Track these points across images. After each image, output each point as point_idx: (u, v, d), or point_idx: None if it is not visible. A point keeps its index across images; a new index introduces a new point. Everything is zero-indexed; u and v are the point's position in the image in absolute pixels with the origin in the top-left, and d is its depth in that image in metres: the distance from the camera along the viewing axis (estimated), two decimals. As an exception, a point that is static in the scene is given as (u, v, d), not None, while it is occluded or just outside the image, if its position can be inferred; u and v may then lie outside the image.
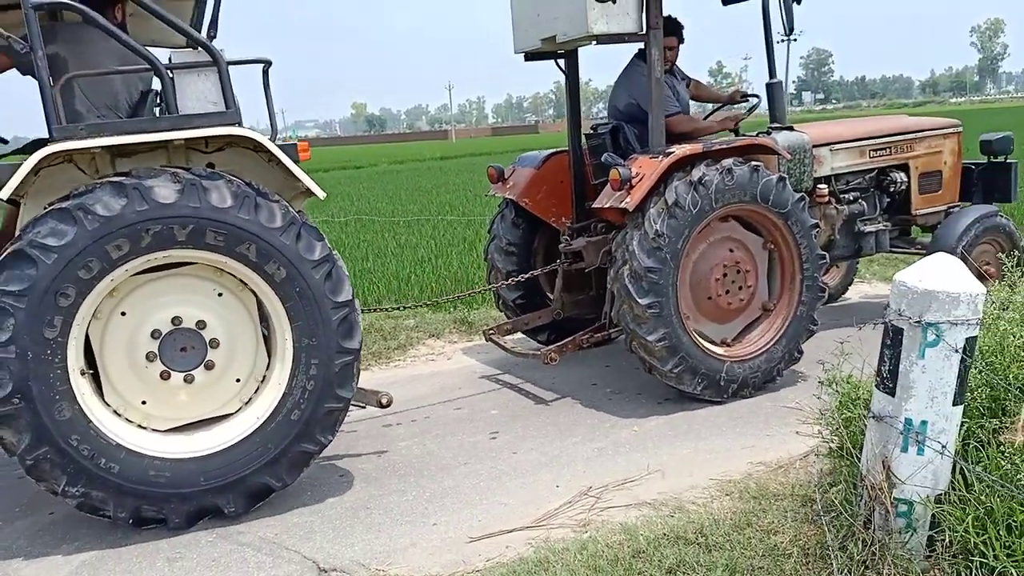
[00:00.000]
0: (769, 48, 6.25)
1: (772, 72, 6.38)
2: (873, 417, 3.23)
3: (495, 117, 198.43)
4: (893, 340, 3.12)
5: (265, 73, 4.30)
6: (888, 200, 6.65)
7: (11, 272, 3.62)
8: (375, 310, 6.92)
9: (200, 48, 4.02)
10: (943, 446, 3.04)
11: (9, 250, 3.67)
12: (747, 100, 6.35)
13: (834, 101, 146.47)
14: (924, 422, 3.08)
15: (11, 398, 3.66)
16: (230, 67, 4.05)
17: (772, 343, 5.40)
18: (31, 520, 4.28)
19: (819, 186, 6.17)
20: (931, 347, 3.02)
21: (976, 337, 3.08)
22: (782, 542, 3.40)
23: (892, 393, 3.13)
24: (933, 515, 3.11)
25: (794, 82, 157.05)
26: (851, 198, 6.44)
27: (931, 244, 6.38)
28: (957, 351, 3.00)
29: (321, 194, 4.19)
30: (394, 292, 8.79)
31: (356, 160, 43.95)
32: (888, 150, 6.52)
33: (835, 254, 6.38)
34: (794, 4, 5.60)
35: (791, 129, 6.19)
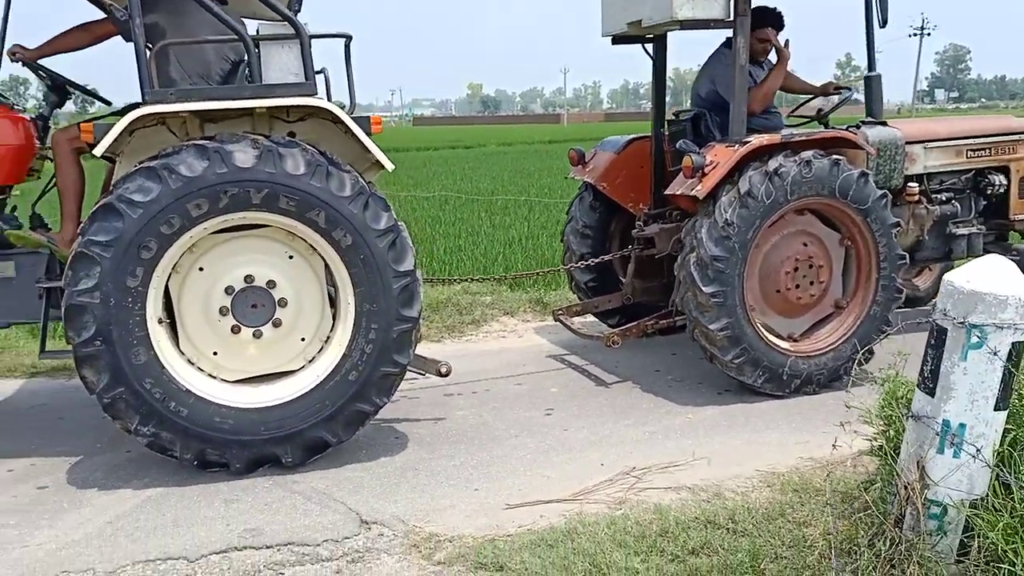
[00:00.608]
0: (870, 40, 6.07)
1: (872, 65, 6.22)
2: (912, 416, 3.18)
3: (610, 102, 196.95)
4: (936, 340, 3.06)
5: (346, 47, 4.49)
6: (984, 203, 6.37)
7: (100, 224, 3.92)
8: (432, 280, 7.11)
9: (285, 21, 4.23)
10: (978, 450, 2.96)
11: (100, 203, 3.97)
12: (839, 92, 6.20)
13: (970, 100, 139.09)
14: (962, 425, 3.01)
15: (93, 340, 3.97)
16: (312, 40, 4.25)
17: (841, 341, 5.29)
18: (109, 456, 4.62)
19: (910, 184, 5.97)
20: (974, 349, 2.95)
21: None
22: (812, 535, 3.39)
23: (932, 393, 3.07)
24: (967, 520, 3.05)
25: (927, 79, 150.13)
26: (944, 198, 6.20)
27: (1027, 250, 6.10)
28: (1000, 355, 2.92)
29: (390, 166, 4.35)
30: (480, 270, 8.96)
31: (466, 140, 44.48)
32: (987, 151, 6.24)
33: (923, 255, 6.18)
34: (889, -3, 5.43)
35: (884, 124, 6.01)
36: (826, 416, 4.92)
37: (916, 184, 5.97)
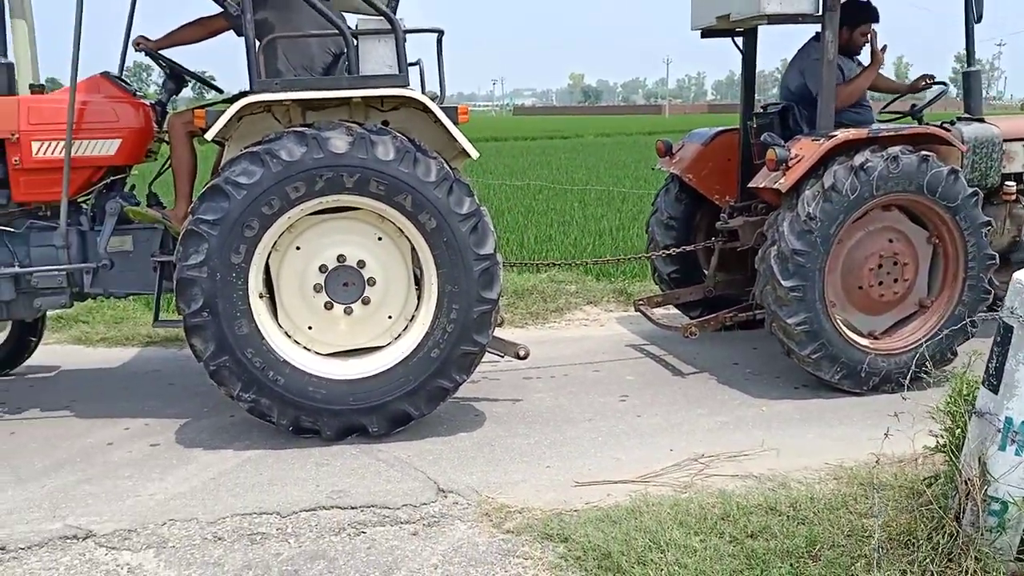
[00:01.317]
0: (969, 36, 5.95)
1: (971, 61, 6.09)
2: (976, 413, 3.20)
3: (714, 94, 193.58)
4: (1003, 338, 3.08)
5: (439, 41, 4.71)
6: (1088, 205, 6.16)
7: (209, 203, 4.26)
8: (518, 265, 7.31)
9: (382, 16, 4.48)
10: (1040, 449, 2.97)
11: (209, 185, 4.31)
12: (932, 87, 6.10)
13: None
14: (1025, 423, 3.02)
15: (201, 311, 4.31)
16: (407, 34, 4.49)
17: (924, 341, 5.24)
18: (214, 420, 4.99)
19: (1007, 183, 5.85)
20: (1040, 348, 2.96)
21: (1095, 344, 2.98)
22: (871, 526, 3.43)
23: (995, 391, 3.10)
24: (1028, 519, 3.06)
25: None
26: (1045, 198, 6.04)
27: None
28: (1067, 355, 2.92)
29: (475, 154, 4.54)
30: (569, 258, 9.09)
31: (564, 131, 44.51)
32: (1093, 150, 6.03)
33: (1020, 257, 6.03)
34: (985, -11, 5.32)
35: (982, 121, 5.88)
36: (902, 415, 4.89)
37: (1014, 183, 5.84)
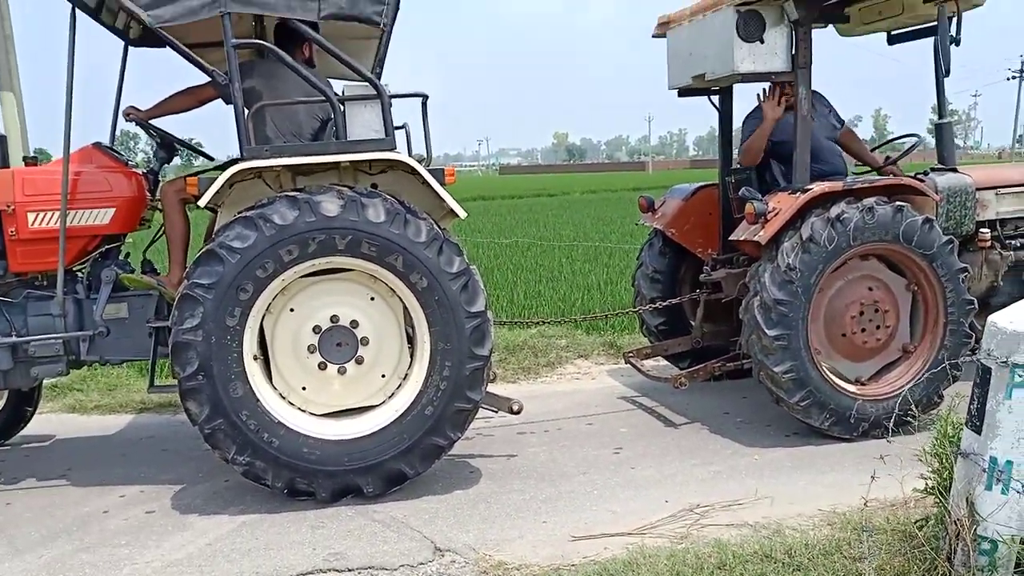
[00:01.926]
0: (940, 89, 6.14)
1: (942, 113, 6.29)
2: (961, 454, 3.27)
3: (696, 149, 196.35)
4: (982, 379, 3.17)
5: (423, 105, 4.85)
6: (1062, 249, 6.32)
7: (204, 268, 4.34)
8: (509, 323, 7.40)
9: (367, 83, 4.62)
10: (1023, 486, 3.04)
11: (203, 250, 4.39)
12: (893, 166, 6.26)
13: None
14: (1009, 462, 3.10)
15: (197, 374, 4.36)
16: (392, 100, 4.63)
17: (909, 386, 5.32)
18: (209, 485, 5.00)
19: (982, 230, 6.00)
20: (1019, 388, 3.05)
21: (1071, 382, 3.06)
22: (865, 570, 3.47)
23: (979, 431, 3.17)
24: (1018, 556, 3.11)
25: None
26: (1019, 244, 6.19)
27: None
28: (1045, 394, 3.01)
29: (462, 214, 4.66)
30: (558, 314, 9.19)
31: (550, 188, 45.06)
32: (1064, 197, 6.21)
33: (999, 301, 6.13)
34: (952, 46, 5.52)
35: (955, 171, 6.06)
36: (893, 459, 4.94)
37: (988, 230, 5.99)
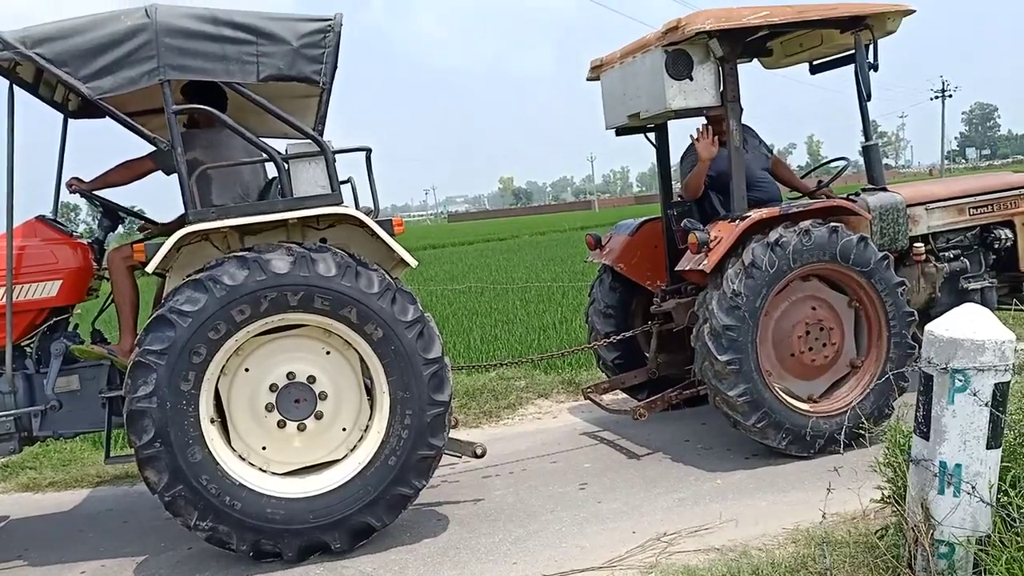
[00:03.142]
0: (864, 113, 6.36)
1: (868, 135, 6.51)
2: (912, 462, 3.38)
3: (639, 186, 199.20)
4: (925, 387, 3.29)
5: (367, 159, 4.92)
6: (994, 257, 6.57)
7: (155, 334, 4.31)
8: (467, 367, 7.44)
9: (310, 140, 4.68)
10: (973, 487, 3.15)
11: (153, 316, 4.38)
12: (824, 189, 6.48)
13: (1003, 157, 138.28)
14: (958, 465, 3.21)
15: (153, 442, 4.31)
16: (336, 155, 4.69)
17: (860, 400, 5.46)
18: (172, 554, 4.91)
19: (915, 245, 6.21)
20: (959, 392, 3.18)
21: (1008, 383, 3.20)
22: (831, 583, 3.54)
23: (927, 437, 3.29)
24: (975, 557, 3.21)
25: (956, 138, 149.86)
26: (952, 256, 6.41)
27: (1039, 300, 6.26)
28: (983, 396, 3.13)
29: (413, 263, 4.71)
30: (515, 356, 9.22)
31: (500, 233, 45.29)
32: (989, 207, 6.47)
33: (939, 311, 6.31)
34: (871, 71, 5.77)
35: (884, 190, 6.28)
36: (851, 473, 5.04)
37: (922, 244, 6.20)
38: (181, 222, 4.69)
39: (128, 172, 5.15)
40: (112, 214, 5.46)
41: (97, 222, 5.53)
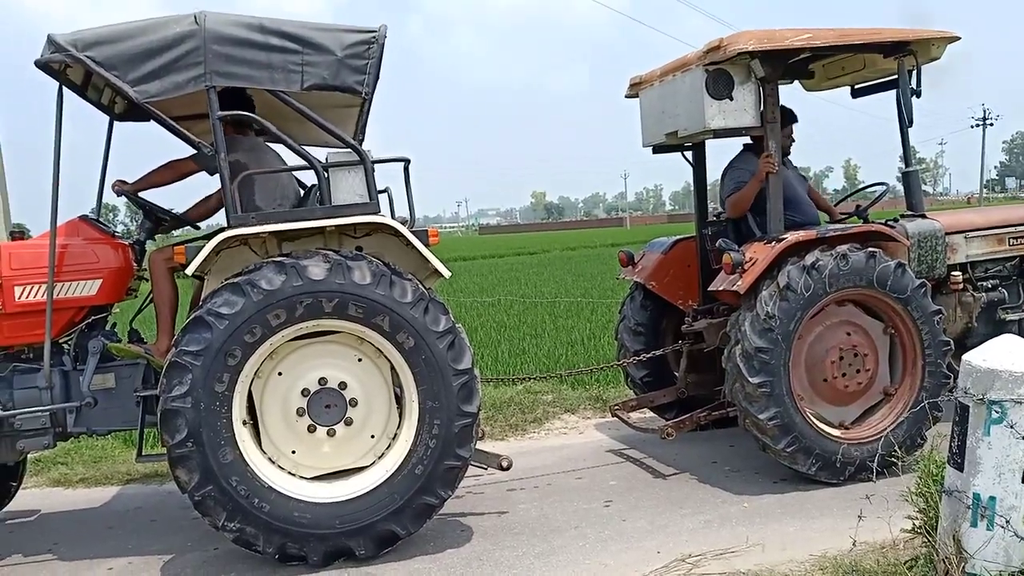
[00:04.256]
0: (904, 138, 6.31)
1: (908, 161, 6.45)
2: (945, 493, 3.34)
3: (672, 204, 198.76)
4: (960, 417, 3.26)
5: (406, 169, 4.96)
6: (1033, 288, 6.48)
7: (191, 335, 4.38)
8: (495, 380, 7.45)
9: (350, 149, 4.73)
10: (1007, 521, 3.10)
11: (191, 317, 4.44)
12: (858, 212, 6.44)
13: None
14: (992, 498, 3.17)
15: (186, 441, 4.36)
16: (374, 164, 4.74)
17: (892, 427, 5.39)
18: (199, 553, 4.96)
19: (953, 273, 6.14)
20: (996, 424, 3.15)
21: (1047, 416, 3.15)
22: (858, 612, 3.49)
23: (961, 468, 3.25)
24: (1007, 593, 3.16)
25: (996, 167, 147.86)
26: (990, 286, 6.33)
27: (1078, 333, 6.15)
28: (1022, 429, 3.09)
29: (447, 273, 4.74)
30: (543, 370, 9.22)
31: (530, 247, 45.37)
32: (1030, 238, 6.38)
33: (974, 342, 6.24)
34: (913, 97, 5.74)
35: (924, 217, 6.22)
36: (880, 502, 4.98)
37: (960, 273, 6.13)
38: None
39: (171, 172, 5.24)
40: (155, 217, 5.55)
41: (139, 223, 5.62)
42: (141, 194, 5.36)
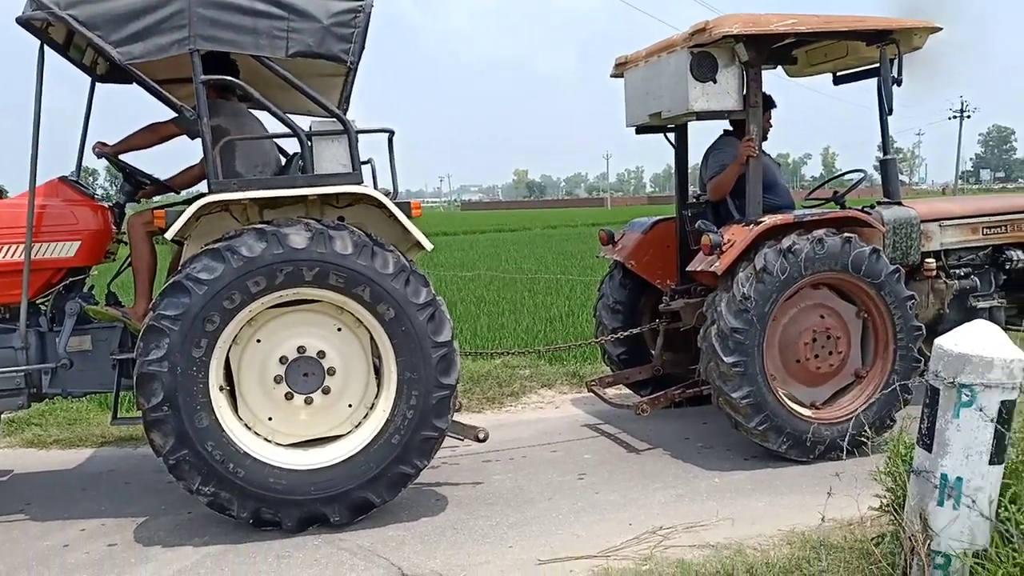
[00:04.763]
0: (884, 127, 6.36)
1: (886, 150, 6.50)
2: (913, 472, 3.41)
3: (653, 186, 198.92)
4: (931, 399, 3.32)
5: (390, 140, 4.95)
6: (1004, 277, 6.58)
7: (170, 299, 4.37)
8: (473, 354, 7.48)
9: (334, 118, 4.72)
10: (973, 501, 3.18)
11: (170, 282, 4.43)
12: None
13: (1016, 179, 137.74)
14: (959, 478, 3.24)
15: (162, 405, 4.36)
16: (358, 134, 4.73)
17: (863, 409, 5.49)
18: (172, 517, 4.97)
19: (927, 260, 6.23)
20: (965, 407, 3.20)
21: (1014, 401, 3.22)
22: (824, 586, 3.58)
23: (929, 449, 3.31)
24: (970, 570, 3.24)
25: (971, 159, 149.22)
26: (963, 274, 6.42)
27: (1047, 322, 6.28)
28: (989, 412, 3.16)
29: (429, 246, 4.75)
30: (522, 345, 9.27)
31: (512, 224, 45.36)
32: (1004, 228, 6.48)
33: (945, 328, 6.33)
34: (894, 86, 5.79)
35: (900, 204, 6.29)
36: (849, 480, 5.08)
37: (933, 260, 6.22)
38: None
39: (152, 135, 5.19)
40: (135, 180, 5.50)
41: (119, 186, 5.58)
42: (122, 157, 5.32)
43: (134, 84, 4.86)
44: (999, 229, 6.48)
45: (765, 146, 6.28)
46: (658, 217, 6.74)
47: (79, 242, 4.99)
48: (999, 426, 3.19)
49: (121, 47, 4.45)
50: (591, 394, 6.65)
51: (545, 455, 5.92)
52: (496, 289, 14.79)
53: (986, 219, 6.44)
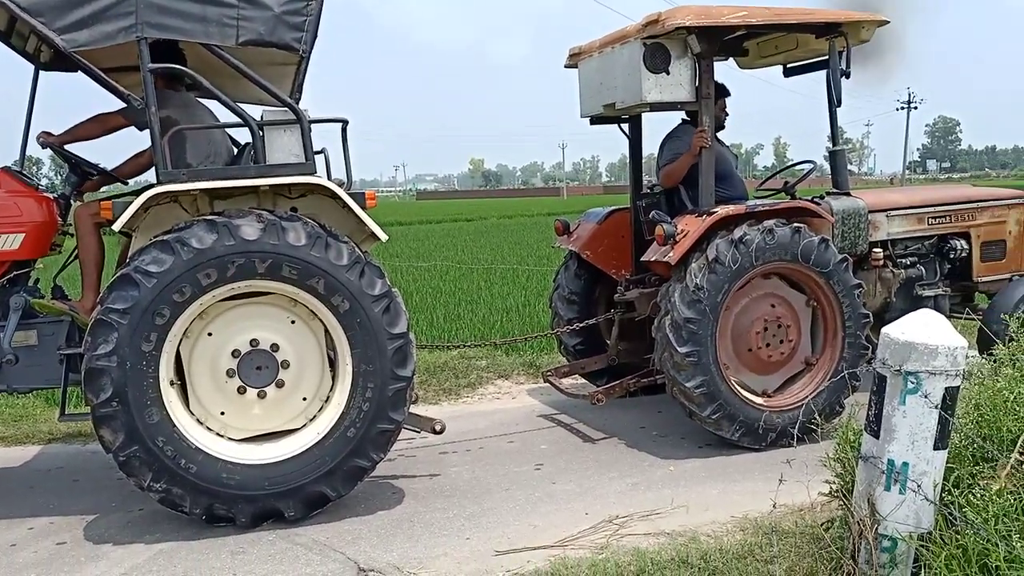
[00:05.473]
0: (833, 118, 6.45)
1: (835, 141, 6.60)
2: (861, 458, 3.48)
3: (608, 176, 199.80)
4: (878, 387, 3.38)
5: (343, 130, 4.90)
6: (949, 266, 6.74)
7: (118, 293, 4.28)
8: (430, 346, 7.48)
9: (286, 108, 4.65)
10: (918, 486, 3.26)
11: (118, 274, 4.34)
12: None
13: (961, 170, 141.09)
14: (905, 463, 3.31)
15: (111, 401, 4.28)
16: (311, 124, 4.67)
17: (813, 396, 5.59)
18: (123, 514, 4.89)
19: (875, 250, 6.35)
20: (911, 394, 3.27)
21: (958, 387, 3.31)
22: (776, 571, 3.65)
23: (877, 435, 3.38)
24: (916, 552, 3.32)
25: (918, 150, 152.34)
26: (909, 263, 6.57)
27: (987, 310, 6.44)
28: (934, 399, 3.24)
29: (383, 237, 4.72)
30: (478, 336, 9.28)
31: (468, 213, 45.25)
32: (948, 218, 6.64)
33: (892, 316, 6.49)
34: (842, 78, 5.88)
35: (848, 195, 6.40)
36: (800, 466, 5.17)
37: (880, 250, 6.35)
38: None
39: (98, 126, 5.07)
40: (81, 171, 5.38)
41: (64, 177, 5.45)
42: (67, 147, 5.19)
43: (79, 72, 4.74)
44: (943, 219, 6.64)
45: (722, 135, 6.36)
46: (613, 207, 6.78)
47: (23, 234, 4.86)
48: (943, 412, 3.26)
49: (65, 34, 4.34)
50: (547, 384, 6.68)
51: (502, 446, 5.94)
52: (452, 280, 14.76)
53: (931, 209, 6.59)
